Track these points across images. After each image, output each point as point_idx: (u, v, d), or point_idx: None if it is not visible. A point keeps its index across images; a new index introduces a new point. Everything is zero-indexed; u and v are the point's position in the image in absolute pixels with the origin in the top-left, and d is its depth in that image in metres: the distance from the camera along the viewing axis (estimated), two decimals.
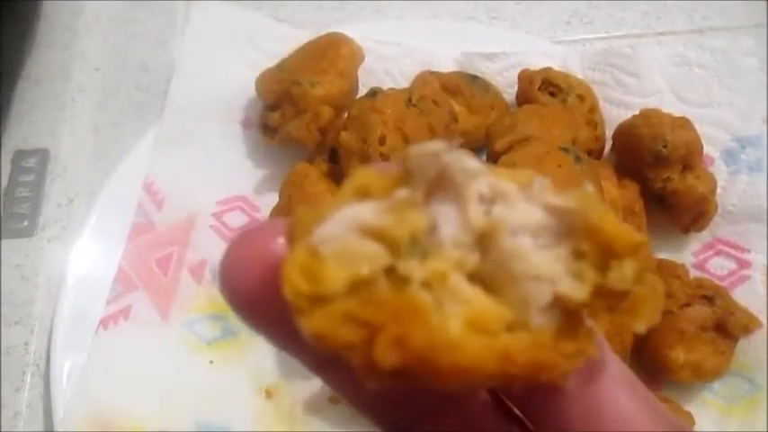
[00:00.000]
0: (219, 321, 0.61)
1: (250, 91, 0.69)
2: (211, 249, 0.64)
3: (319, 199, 0.58)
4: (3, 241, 0.66)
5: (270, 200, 0.66)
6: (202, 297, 0.62)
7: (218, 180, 0.67)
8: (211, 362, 0.59)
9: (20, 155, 0.71)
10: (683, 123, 0.58)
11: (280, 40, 0.70)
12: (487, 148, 0.60)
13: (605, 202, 0.55)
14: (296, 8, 0.78)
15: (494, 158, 0.56)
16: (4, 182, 0.69)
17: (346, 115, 0.61)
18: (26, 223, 0.67)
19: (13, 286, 0.65)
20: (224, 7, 0.72)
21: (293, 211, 0.58)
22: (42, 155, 0.71)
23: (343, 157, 0.58)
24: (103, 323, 0.59)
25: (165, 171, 0.66)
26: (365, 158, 0.57)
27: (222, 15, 0.71)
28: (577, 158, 0.54)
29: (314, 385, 0.58)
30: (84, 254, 0.62)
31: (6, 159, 0.71)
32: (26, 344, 0.62)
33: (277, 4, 0.78)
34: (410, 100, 0.58)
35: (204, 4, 0.71)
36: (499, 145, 0.55)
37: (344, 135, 0.57)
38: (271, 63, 0.68)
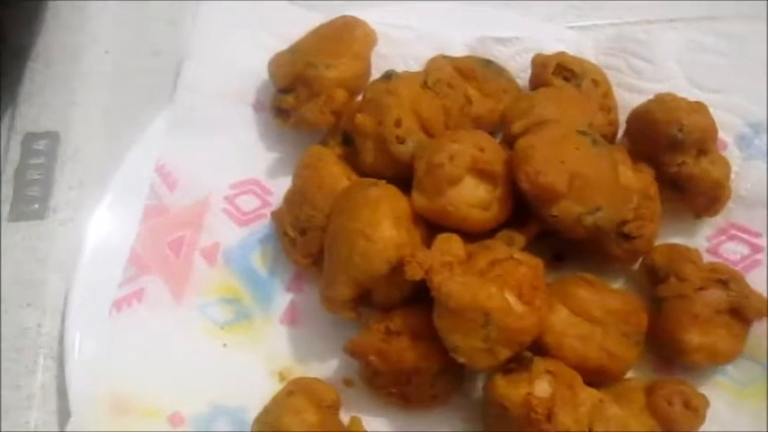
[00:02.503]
0: (233, 304, 0.61)
1: (262, 73, 0.68)
2: (224, 232, 0.64)
3: (334, 181, 0.58)
4: (14, 224, 0.66)
5: (283, 183, 0.65)
6: (216, 280, 0.62)
7: (231, 163, 0.66)
8: (225, 345, 0.59)
9: (30, 137, 0.70)
10: (699, 108, 0.58)
11: (292, 23, 0.69)
12: (502, 130, 0.60)
13: (617, 183, 0.55)
14: None
15: (510, 141, 0.56)
16: (15, 165, 0.69)
17: (361, 98, 0.61)
18: (37, 206, 0.67)
19: (26, 268, 0.64)
20: None
21: (307, 192, 0.58)
22: (53, 137, 0.70)
23: (359, 139, 0.58)
24: (117, 305, 0.59)
25: (178, 153, 0.66)
26: (380, 141, 0.57)
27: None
28: (594, 141, 0.54)
29: (328, 368, 0.58)
30: (97, 235, 0.62)
31: (17, 141, 0.70)
32: (39, 325, 0.62)
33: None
34: (426, 83, 0.58)
35: None
36: (516, 127, 0.55)
37: (360, 117, 0.57)
38: (283, 46, 0.67)
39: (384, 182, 0.54)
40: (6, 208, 0.67)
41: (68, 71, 0.74)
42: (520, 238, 0.53)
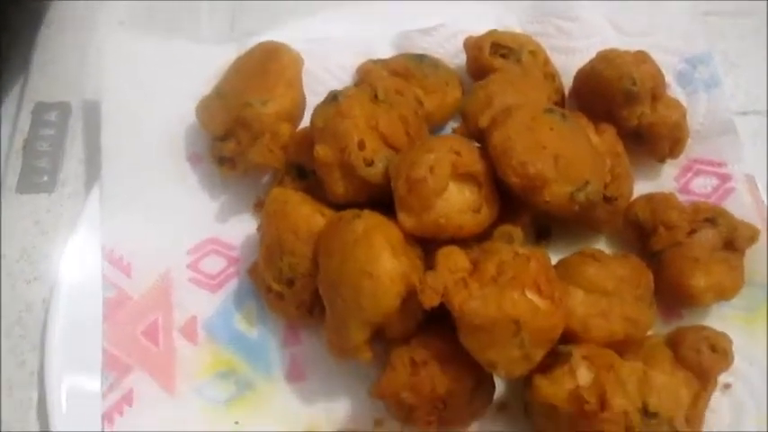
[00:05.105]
0: (230, 377, 0.56)
1: (189, 124, 0.63)
2: (198, 304, 0.58)
3: (309, 222, 0.54)
4: (22, 196, 0.63)
5: (243, 234, 0.61)
6: (204, 357, 0.57)
7: (183, 227, 0.61)
8: (237, 422, 0.55)
9: (40, 107, 0.67)
10: (644, 57, 0.58)
11: (206, 63, 0.64)
12: (462, 124, 0.58)
13: (594, 151, 0.54)
14: (209, 24, 0.72)
15: (476, 135, 0.54)
16: (25, 135, 0.66)
17: (308, 127, 0.57)
18: (46, 178, 0.64)
19: (33, 242, 0.62)
20: (136, 39, 0.65)
21: (284, 241, 0.54)
22: (64, 108, 0.67)
23: (322, 170, 0.54)
24: (107, 418, 0.53)
25: (123, 233, 0.59)
26: (347, 168, 0.53)
27: (137, 48, 0.64)
28: (563, 117, 0.53)
29: (354, 413, 0.55)
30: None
31: (27, 111, 0.67)
32: (44, 300, 0.59)
33: (188, 23, 0.72)
34: (376, 96, 0.55)
35: (113, 41, 0.64)
36: (482, 121, 0.53)
37: (319, 149, 0.53)
38: (203, 89, 0.62)
39: (366, 211, 0.51)
40: (15, 179, 0.64)
41: (81, 40, 0.71)
42: (518, 233, 0.52)
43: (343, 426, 0.54)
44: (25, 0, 0.69)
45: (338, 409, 0.55)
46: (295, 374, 0.56)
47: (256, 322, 0.58)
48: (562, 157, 0.50)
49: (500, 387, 0.54)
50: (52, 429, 0.53)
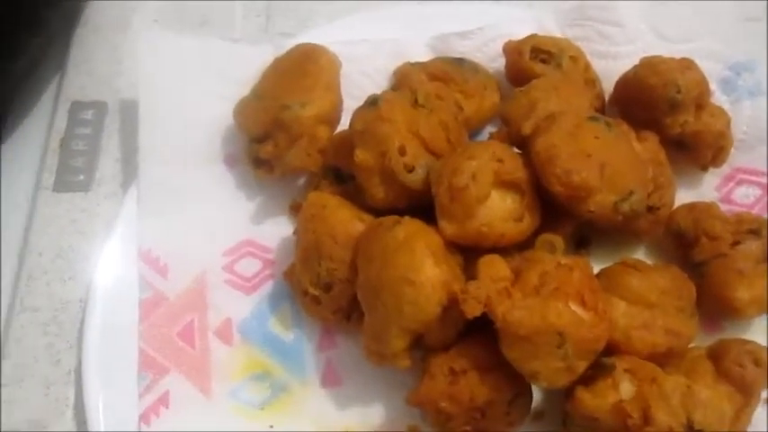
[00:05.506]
0: (265, 380, 0.56)
1: (225, 125, 0.63)
2: (233, 306, 0.58)
3: (347, 227, 0.53)
4: (58, 194, 0.64)
5: (279, 237, 0.61)
6: (239, 359, 0.57)
7: (218, 229, 0.61)
8: (271, 426, 0.55)
9: (77, 106, 0.68)
10: (689, 64, 0.57)
11: (243, 64, 0.64)
12: (505, 129, 0.57)
13: (638, 160, 0.54)
14: (244, 23, 0.72)
15: (519, 142, 0.54)
16: (61, 134, 0.66)
17: (348, 130, 0.57)
18: (82, 177, 0.65)
19: (69, 241, 0.62)
20: (173, 39, 0.65)
21: (322, 245, 0.53)
22: (100, 107, 0.68)
23: (362, 176, 0.54)
24: (144, 419, 0.53)
25: (159, 234, 0.59)
26: (387, 173, 0.53)
27: (173, 48, 0.64)
28: (608, 125, 0.52)
29: (389, 420, 0.54)
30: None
31: (64, 110, 0.68)
32: (81, 300, 0.59)
33: (222, 24, 0.72)
34: (416, 101, 0.54)
35: (149, 39, 0.64)
36: (526, 128, 0.52)
37: (360, 154, 0.53)
38: (241, 90, 0.62)
39: (406, 218, 0.51)
40: (51, 178, 0.65)
41: (117, 39, 0.72)
42: (560, 242, 0.51)
43: (375, 428, 0.54)
44: (60, 0, 0.69)
45: (373, 414, 0.55)
46: (330, 379, 0.56)
47: (291, 325, 0.58)
48: (607, 165, 0.49)
49: (536, 395, 0.53)
50: (89, 429, 0.53)
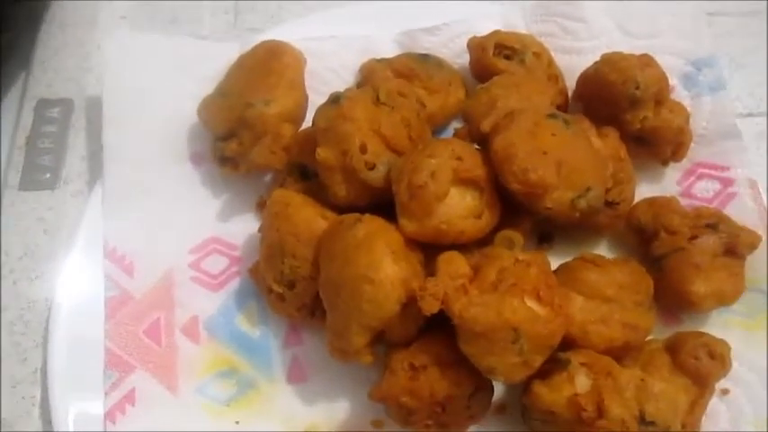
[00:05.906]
0: (232, 377, 0.57)
1: (192, 123, 0.63)
2: (199, 303, 0.59)
3: (311, 225, 0.54)
4: (24, 193, 0.64)
5: (245, 234, 0.61)
6: (206, 356, 0.57)
7: (184, 227, 0.61)
8: (237, 422, 0.55)
9: (43, 104, 0.67)
10: (649, 61, 0.58)
11: (208, 60, 0.64)
12: (467, 125, 0.58)
13: (596, 156, 0.54)
14: (211, 21, 0.72)
15: (479, 139, 0.54)
16: (27, 131, 0.66)
17: (310, 127, 0.57)
18: (48, 175, 0.64)
19: (36, 240, 0.62)
20: (139, 36, 0.65)
21: (285, 243, 0.54)
22: (66, 105, 0.67)
23: (324, 174, 0.54)
24: (110, 417, 0.53)
25: (125, 232, 0.60)
26: (349, 171, 0.53)
27: (139, 45, 0.64)
28: (566, 122, 0.52)
29: (354, 415, 0.55)
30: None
31: (29, 108, 0.67)
32: (47, 299, 0.59)
33: (191, 21, 0.72)
34: (378, 98, 0.55)
35: (115, 38, 0.64)
36: (485, 126, 0.53)
37: (321, 152, 0.53)
38: (206, 88, 0.62)
39: (367, 216, 0.51)
40: (17, 176, 0.64)
41: (83, 36, 0.71)
42: (518, 238, 0.52)
43: (343, 427, 0.55)
44: None
45: (338, 409, 0.55)
46: (296, 375, 0.57)
47: (258, 322, 0.59)
48: (564, 163, 0.50)
49: (498, 389, 0.54)
50: (55, 428, 0.53)
